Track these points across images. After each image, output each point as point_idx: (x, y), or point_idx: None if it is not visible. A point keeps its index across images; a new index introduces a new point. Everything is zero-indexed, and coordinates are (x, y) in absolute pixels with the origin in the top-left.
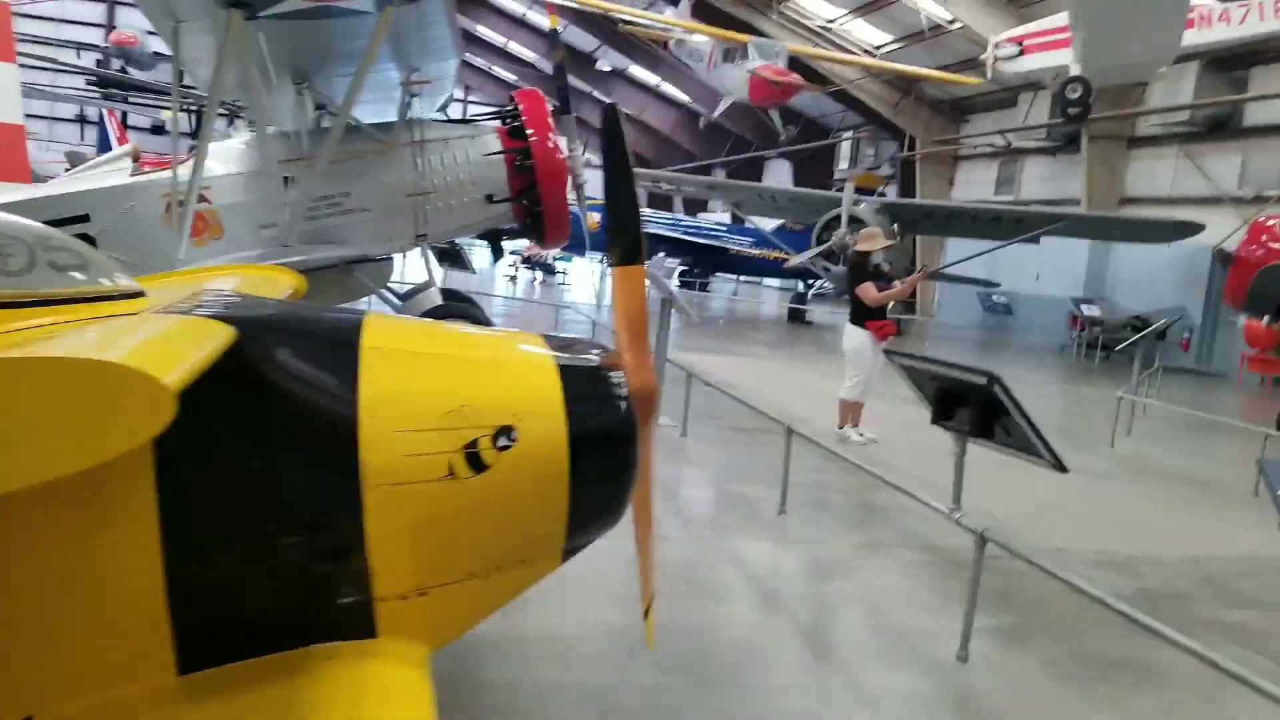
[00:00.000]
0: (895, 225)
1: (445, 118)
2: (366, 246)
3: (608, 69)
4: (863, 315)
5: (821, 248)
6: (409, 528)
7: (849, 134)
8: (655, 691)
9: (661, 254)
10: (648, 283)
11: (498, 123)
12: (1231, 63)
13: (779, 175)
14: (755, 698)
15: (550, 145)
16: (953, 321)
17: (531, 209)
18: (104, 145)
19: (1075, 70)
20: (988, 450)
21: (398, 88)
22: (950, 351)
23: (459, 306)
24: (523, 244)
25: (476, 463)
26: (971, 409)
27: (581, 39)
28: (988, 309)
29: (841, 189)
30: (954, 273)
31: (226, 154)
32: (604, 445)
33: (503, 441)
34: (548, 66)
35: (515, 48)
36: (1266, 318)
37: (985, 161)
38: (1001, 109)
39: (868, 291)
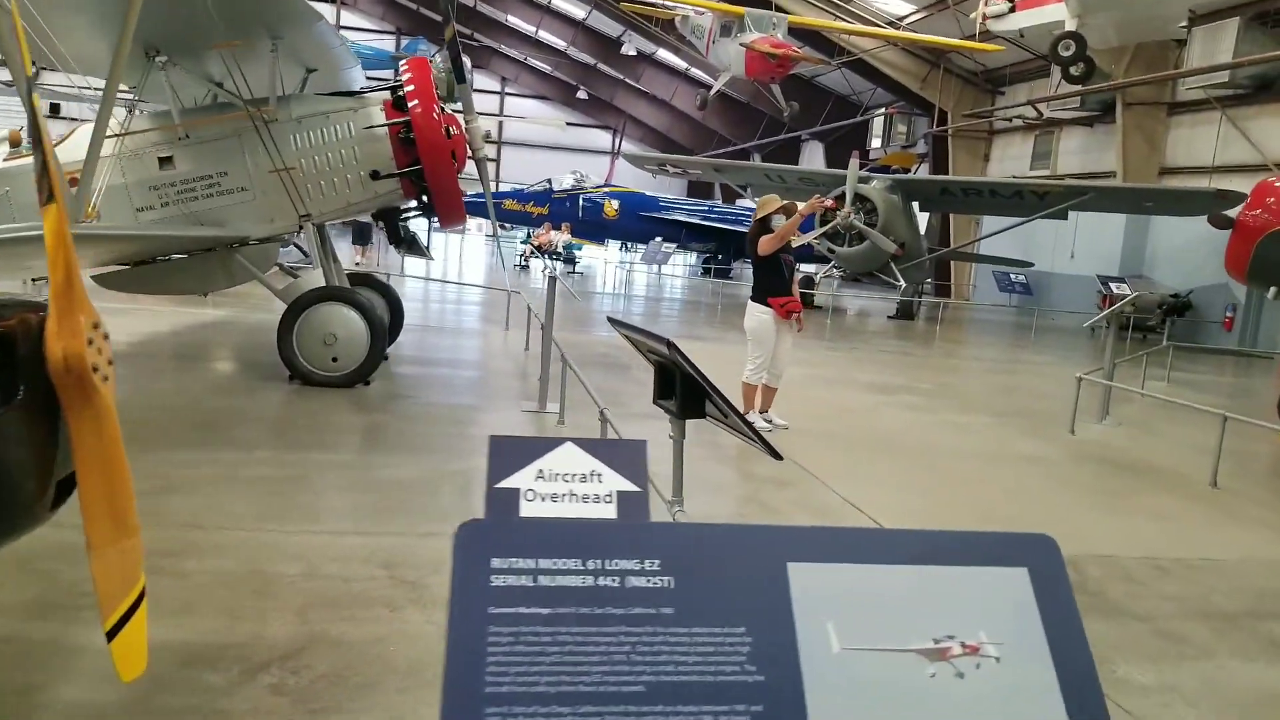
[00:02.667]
0: (916, 204)
1: (330, 92)
2: (247, 228)
3: (633, 53)
4: (764, 291)
5: (825, 228)
6: None
7: (880, 111)
8: None
9: (658, 238)
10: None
11: (385, 94)
12: (1276, 18)
13: (814, 158)
14: None
15: (434, 116)
16: (988, 302)
17: (420, 185)
18: None
19: (1070, 25)
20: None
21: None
22: (978, 333)
23: (346, 291)
24: (530, 231)
25: None
26: (677, 383)
27: (605, 25)
28: (1004, 288)
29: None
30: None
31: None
32: None
33: None
34: (580, 55)
35: (544, 35)
36: (1273, 290)
37: (1020, 135)
38: (1036, 79)
39: (763, 244)
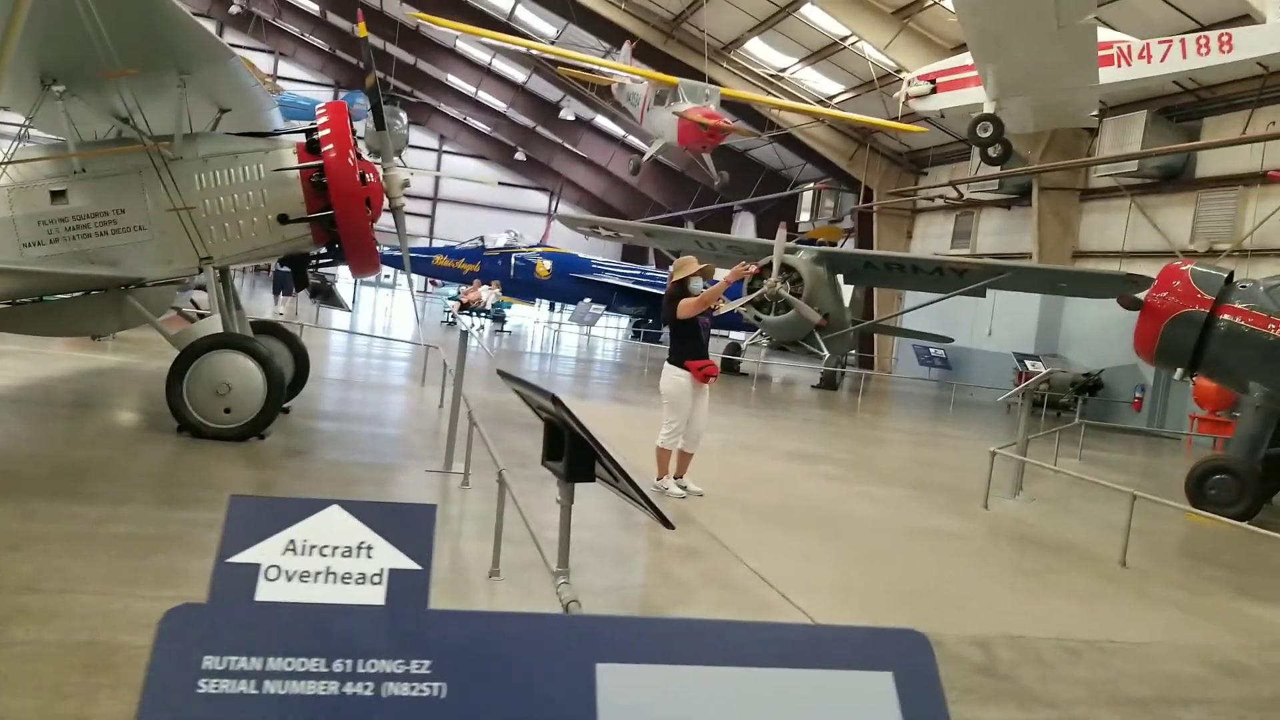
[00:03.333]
0: (841, 277)
1: (240, 132)
2: (143, 269)
3: (571, 118)
4: (682, 354)
5: (751, 296)
6: None
7: (809, 186)
8: None
9: (587, 299)
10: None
11: (299, 137)
12: (1182, 113)
13: (746, 228)
14: None
15: (348, 161)
16: (909, 375)
17: (331, 231)
18: None
19: (988, 108)
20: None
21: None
22: (898, 405)
23: (243, 339)
24: (460, 288)
25: None
26: (564, 443)
27: (545, 89)
28: (924, 362)
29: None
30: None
31: None
32: None
33: None
34: (519, 117)
35: (485, 96)
36: (1179, 371)
37: (942, 214)
38: (957, 161)
39: (684, 307)
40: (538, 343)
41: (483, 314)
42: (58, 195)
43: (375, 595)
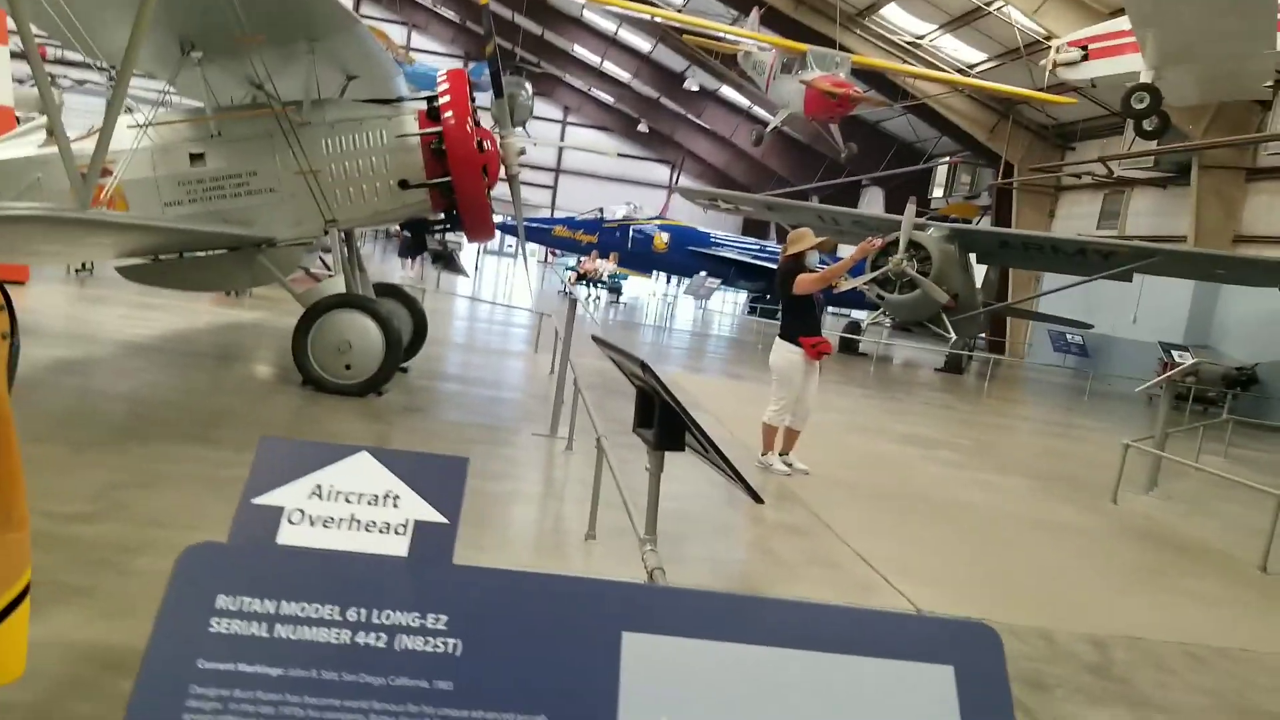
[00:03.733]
0: (973, 256)
1: (365, 99)
2: (273, 229)
3: (696, 89)
4: (795, 330)
5: (876, 273)
6: None
7: (944, 160)
8: None
9: (703, 273)
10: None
11: (420, 104)
12: None
13: (874, 205)
14: None
15: (466, 128)
16: (1042, 362)
17: (449, 197)
18: None
19: (1145, 77)
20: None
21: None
22: (1028, 392)
23: (365, 300)
24: (579, 259)
25: None
26: (655, 411)
27: (670, 59)
28: (1060, 349)
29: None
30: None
31: (134, 127)
32: None
33: None
34: (644, 88)
35: (610, 67)
36: None
37: (1089, 193)
38: (1108, 136)
39: (802, 283)
40: (652, 315)
41: (599, 285)
42: (196, 157)
43: (399, 546)
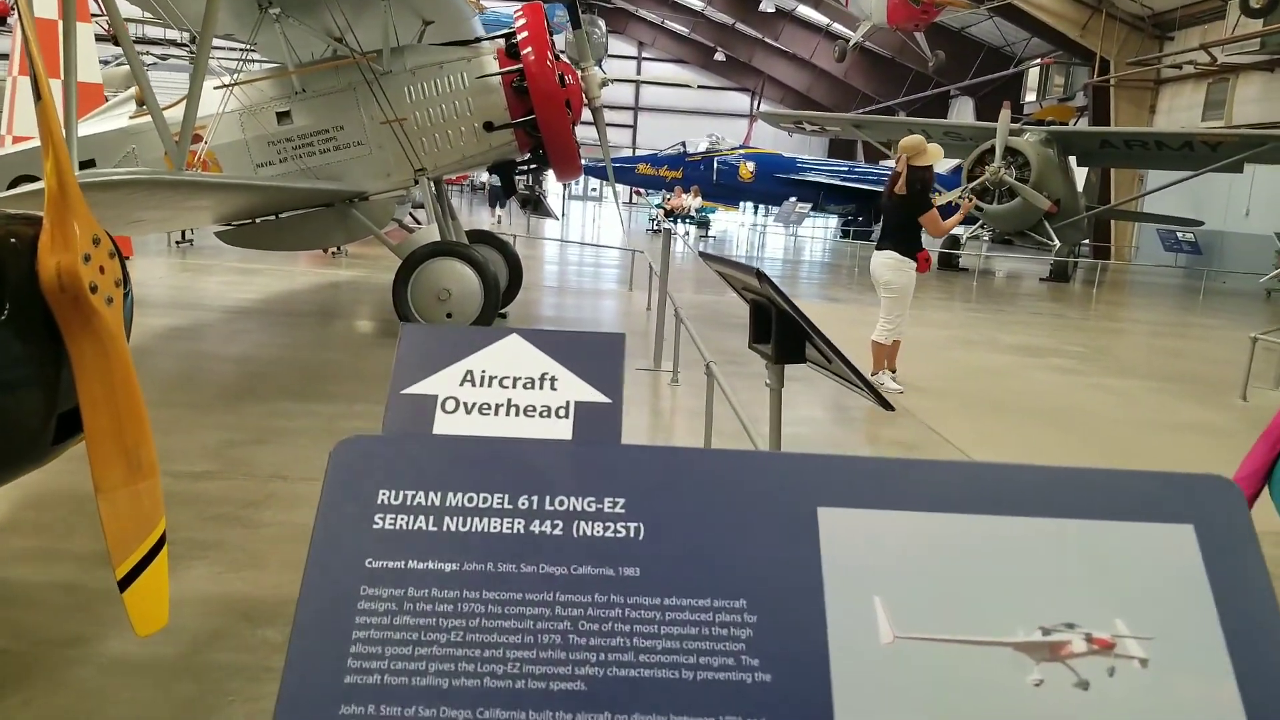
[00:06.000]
0: (1073, 159)
1: (443, 42)
2: (364, 182)
3: (771, 10)
4: (916, 244)
5: (973, 184)
6: None
7: (1036, 62)
8: None
9: (792, 199)
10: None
11: (499, 43)
12: None
13: (964, 115)
14: None
15: (547, 63)
16: (1151, 263)
17: (535, 136)
18: None
19: None
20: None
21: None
22: (1140, 295)
23: (460, 246)
24: (665, 195)
25: None
26: (772, 323)
27: None
28: (1170, 248)
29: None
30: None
31: (221, 90)
32: None
33: None
34: (718, 15)
35: None
36: None
37: (1191, 84)
38: (1209, 21)
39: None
40: (743, 246)
41: (688, 220)
42: (283, 116)
43: (562, 429)
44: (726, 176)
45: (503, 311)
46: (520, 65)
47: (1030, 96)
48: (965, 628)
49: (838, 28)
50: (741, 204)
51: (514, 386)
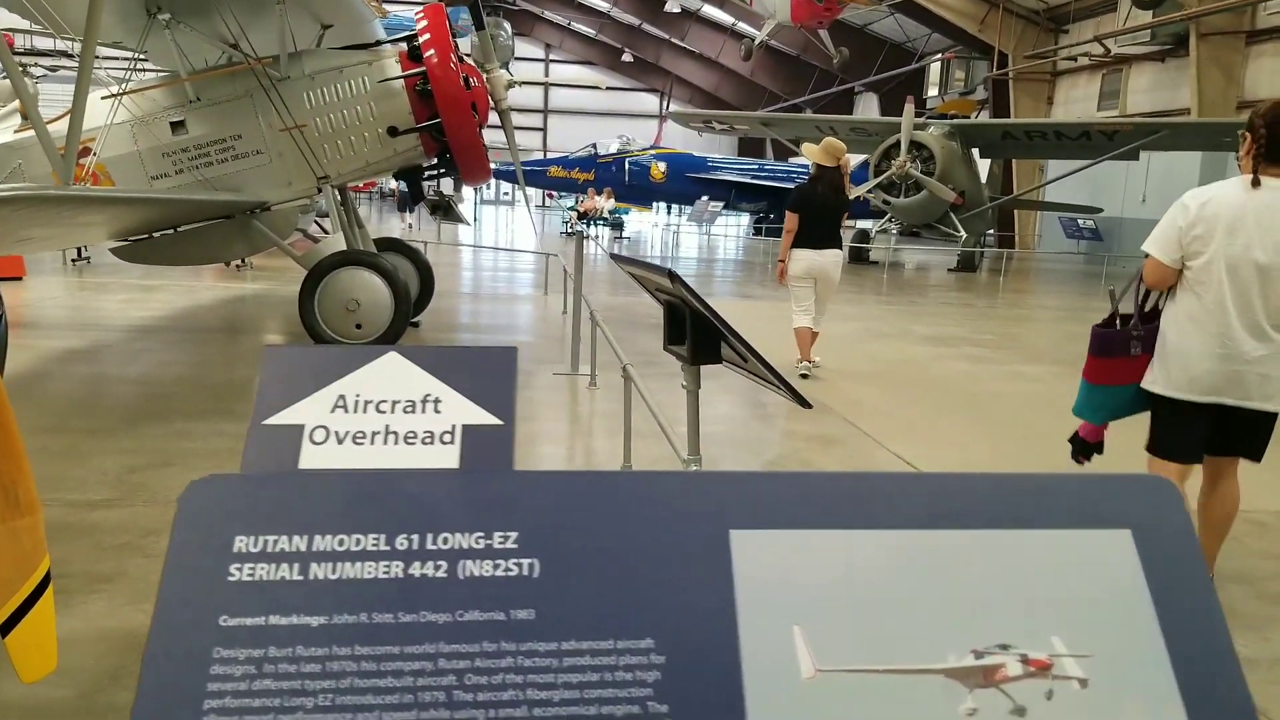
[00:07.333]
0: (976, 151)
1: (343, 46)
2: (264, 192)
3: (677, 10)
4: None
5: (879, 179)
6: None
7: (937, 56)
8: None
9: (704, 198)
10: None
11: (401, 46)
12: None
13: (869, 111)
14: None
15: (450, 66)
16: (1054, 250)
17: (440, 140)
18: None
19: None
20: None
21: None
22: (1045, 282)
23: (368, 255)
24: (578, 198)
25: None
26: (687, 324)
27: None
28: (1072, 235)
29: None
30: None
31: (110, 102)
32: None
33: None
34: (624, 15)
35: None
36: None
37: (1086, 75)
38: (1102, 14)
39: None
40: (657, 247)
41: (601, 222)
42: (177, 126)
43: (449, 457)
44: (638, 177)
45: (415, 320)
46: (423, 68)
47: (933, 91)
48: (893, 656)
49: (743, 26)
50: (655, 204)
51: (393, 411)
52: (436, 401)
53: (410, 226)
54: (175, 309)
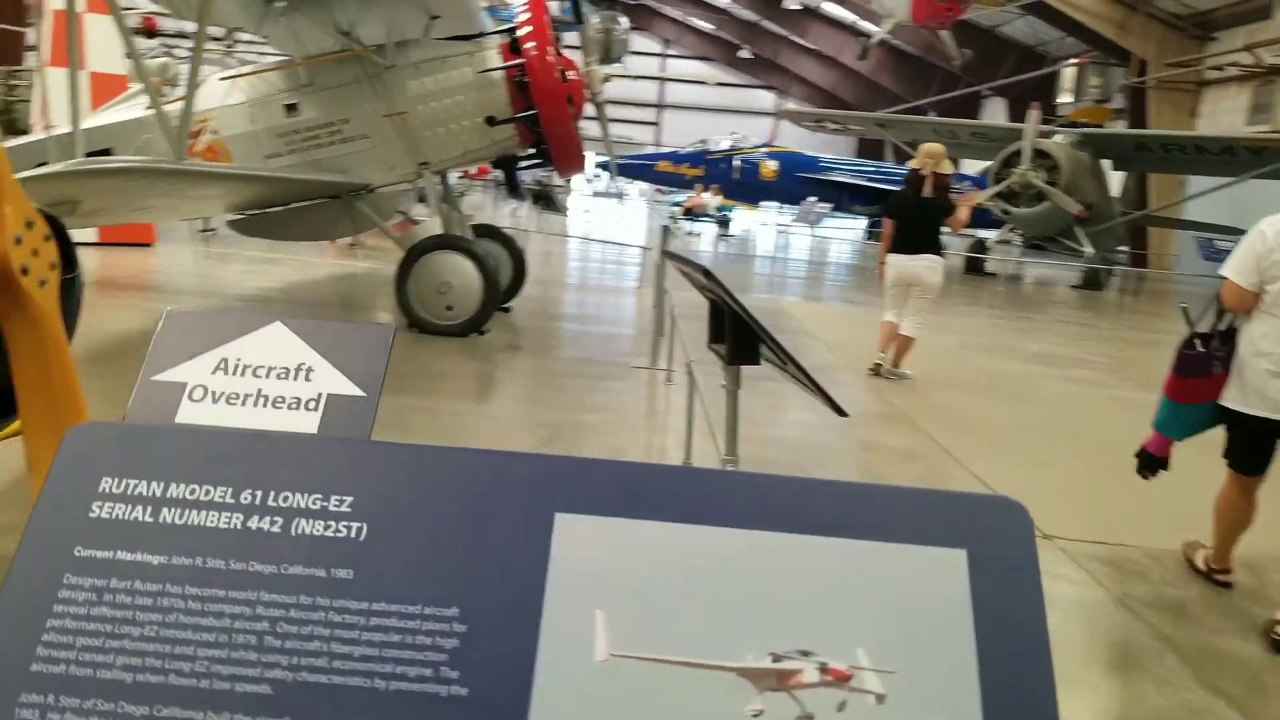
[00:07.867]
0: (1109, 164)
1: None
2: (368, 175)
3: (797, 7)
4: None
5: (999, 187)
6: None
7: (1071, 62)
8: None
9: (812, 198)
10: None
11: (503, 38)
12: None
13: (996, 115)
14: None
15: (547, 59)
16: (1191, 272)
17: (536, 131)
18: None
19: None
20: None
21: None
22: (1173, 306)
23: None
24: (685, 195)
25: None
26: (726, 324)
27: None
28: (1209, 257)
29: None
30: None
31: (232, 83)
32: None
33: None
34: (742, 12)
35: None
36: None
37: (1235, 86)
38: (1254, 21)
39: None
40: (765, 246)
41: (707, 219)
42: (291, 108)
43: (309, 423)
44: (748, 175)
45: (506, 306)
46: (522, 60)
47: (1066, 98)
48: (688, 649)
49: (864, 24)
50: (764, 203)
51: (267, 376)
52: (309, 370)
53: (518, 214)
54: (290, 282)
